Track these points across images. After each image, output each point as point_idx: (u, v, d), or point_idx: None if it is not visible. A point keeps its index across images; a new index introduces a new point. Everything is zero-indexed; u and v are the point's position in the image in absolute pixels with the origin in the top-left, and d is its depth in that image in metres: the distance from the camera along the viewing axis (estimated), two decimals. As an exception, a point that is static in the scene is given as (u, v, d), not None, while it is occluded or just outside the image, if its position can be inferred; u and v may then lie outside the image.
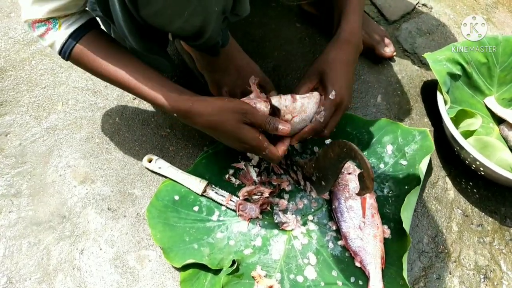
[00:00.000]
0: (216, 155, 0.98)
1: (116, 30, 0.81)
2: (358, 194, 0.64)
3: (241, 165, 0.97)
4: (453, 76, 1.02)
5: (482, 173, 0.92)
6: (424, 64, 1.20)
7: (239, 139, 0.78)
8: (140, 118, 1.05)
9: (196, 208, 0.92)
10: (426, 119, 1.10)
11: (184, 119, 0.79)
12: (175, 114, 0.79)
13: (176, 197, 0.92)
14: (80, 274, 0.84)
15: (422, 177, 0.90)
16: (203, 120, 0.77)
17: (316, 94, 0.79)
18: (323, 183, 0.76)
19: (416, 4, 1.34)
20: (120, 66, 0.79)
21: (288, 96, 0.75)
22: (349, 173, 0.93)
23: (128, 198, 0.94)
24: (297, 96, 0.76)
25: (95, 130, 1.03)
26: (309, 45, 1.21)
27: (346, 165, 0.94)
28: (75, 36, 0.77)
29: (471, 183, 1.00)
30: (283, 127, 0.77)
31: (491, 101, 1.06)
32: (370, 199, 0.91)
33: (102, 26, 0.85)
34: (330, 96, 0.80)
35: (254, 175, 0.95)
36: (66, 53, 0.78)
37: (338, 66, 0.85)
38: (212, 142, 1.00)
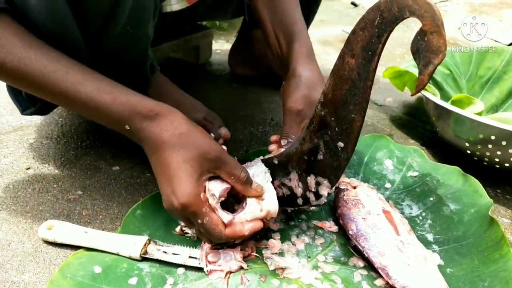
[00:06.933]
0: (156, 201, 0.64)
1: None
2: (418, 86, 0.37)
3: (198, 212, 0.65)
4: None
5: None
6: (381, 106, 1.07)
7: (171, 183, 0.52)
8: (36, 187, 0.71)
9: (133, 281, 0.54)
10: (412, 141, 0.91)
11: (140, 125, 0.53)
12: (127, 126, 0.54)
13: (97, 269, 0.55)
14: None
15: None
16: (173, 129, 0.53)
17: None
18: (341, 146, 0.47)
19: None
20: (51, 59, 0.52)
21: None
22: (355, 187, 0.66)
23: (10, 290, 0.54)
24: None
25: (-40, 212, 0.65)
26: (254, 97, 1.04)
27: (346, 180, 0.67)
28: None
29: (499, 190, 0.77)
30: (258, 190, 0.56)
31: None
32: (396, 212, 0.63)
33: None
34: None
35: (219, 220, 0.63)
36: None
37: None
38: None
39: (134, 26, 0.63)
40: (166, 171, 0.52)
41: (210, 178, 0.54)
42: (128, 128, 0.53)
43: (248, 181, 0.55)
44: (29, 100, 0.69)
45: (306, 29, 0.74)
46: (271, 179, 0.56)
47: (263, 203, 0.55)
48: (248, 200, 0.55)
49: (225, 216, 0.53)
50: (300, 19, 0.75)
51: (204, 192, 0.52)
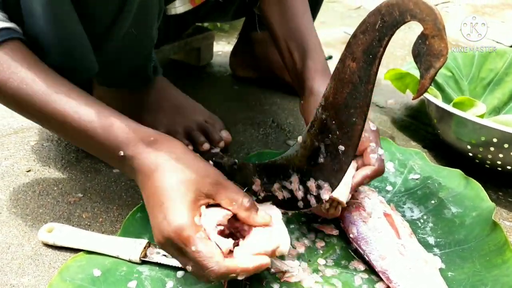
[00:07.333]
0: (157, 203, 0.64)
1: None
2: (419, 90, 0.37)
3: (198, 215, 0.64)
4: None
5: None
6: (382, 108, 1.06)
7: (162, 207, 0.47)
8: (36, 189, 0.71)
9: (132, 284, 0.54)
10: (414, 143, 0.90)
11: (136, 150, 0.50)
12: (121, 152, 0.50)
13: (97, 272, 0.54)
14: None
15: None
16: (170, 154, 0.50)
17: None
18: (342, 149, 0.47)
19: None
20: (54, 81, 0.52)
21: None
22: (356, 190, 0.65)
23: (9, 293, 0.54)
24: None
25: (-40, 214, 0.65)
26: (255, 99, 1.03)
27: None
28: None
29: (500, 193, 0.77)
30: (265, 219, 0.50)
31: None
32: (397, 215, 0.62)
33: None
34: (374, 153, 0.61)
35: (220, 223, 0.62)
36: None
37: None
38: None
39: (138, 29, 0.63)
40: (159, 197, 0.48)
41: (208, 206, 0.49)
42: (122, 154, 0.50)
43: (253, 207, 0.50)
44: None
45: (318, 39, 0.74)
46: (281, 217, 0.52)
47: (272, 235, 0.49)
48: (254, 229, 0.49)
49: (224, 243, 0.46)
50: (311, 29, 0.74)
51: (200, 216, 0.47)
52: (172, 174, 0.48)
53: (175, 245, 0.46)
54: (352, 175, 0.60)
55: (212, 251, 0.45)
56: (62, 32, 0.55)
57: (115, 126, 0.51)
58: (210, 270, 0.45)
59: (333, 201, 0.59)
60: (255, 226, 0.49)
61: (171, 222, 0.46)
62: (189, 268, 0.47)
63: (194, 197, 0.47)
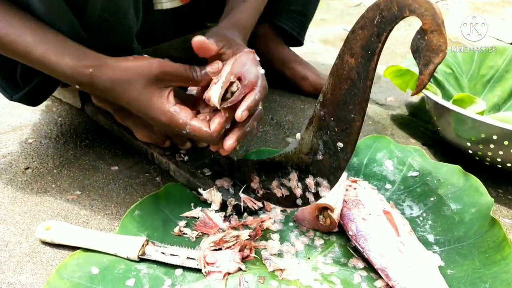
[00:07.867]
0: (155, 201, 0.64)
1: None
2: (418, 86, 0.36)
3: (196, 212, 0.64)
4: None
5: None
6: (382, 105, 1.06)
7: (146, 113, 0.59)
8: (34, 187, 0.71)
9: (131, 282, 0.53)
10: (414, 140, 0.90)
11: (89, 79, 0.58)
12: (77, 86, 0.60)
13: (95, 270, 0.54)
14: None
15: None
16: (108, 82, 0.58)
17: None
18: (340, 146, 0.46)
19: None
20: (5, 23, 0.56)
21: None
22: (355, 188, 0.65)
23: (7, 291, 0.53)
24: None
25: (-42, 212, 0.65)
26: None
27: (352, 178, 0.67)
28: None
29: (500, 191, 0.76)
30: (213, 67, 0.60)
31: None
32: (396, 213, 0.62)
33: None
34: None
35: (219, 220, 0.62)
36: None
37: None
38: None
39: (112, 14, 0.62)
40: (135, 107, 0.59)
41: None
42: (78, 87, 0.60)
43: (202, 76, 0.60)
44: (20, 81, 0.69)
45: (249, 18, 0.78)
46: (227, 71, 0.58)
47: (210, 90, 0.58)
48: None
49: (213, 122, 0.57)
50: (246, 11, 0.78)
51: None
52: (127, 91, 0.58)
53: (172, 130, 0.59)
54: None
55: (201, 129, 0.57)
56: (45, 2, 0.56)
57: (62, 64, 0.57)
58: (208, 141, 0.59)
59: (322, 210, 0.59)
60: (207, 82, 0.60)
61: (158, 120, 0.58)
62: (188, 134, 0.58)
63: (158, 94, 0.57)
